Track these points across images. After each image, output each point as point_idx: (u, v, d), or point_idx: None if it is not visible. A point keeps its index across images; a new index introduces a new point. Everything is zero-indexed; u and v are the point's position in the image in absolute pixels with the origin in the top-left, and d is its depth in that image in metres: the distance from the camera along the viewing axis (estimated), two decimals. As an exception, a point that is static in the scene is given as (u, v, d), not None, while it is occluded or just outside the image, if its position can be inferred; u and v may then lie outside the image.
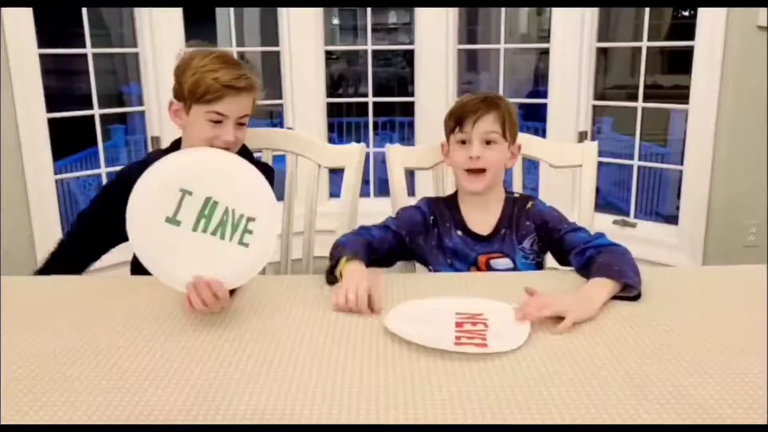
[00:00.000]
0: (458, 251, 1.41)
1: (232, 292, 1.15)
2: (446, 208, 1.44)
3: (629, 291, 1.16)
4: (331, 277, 1.25)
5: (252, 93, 1.39)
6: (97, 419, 0.82)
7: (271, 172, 1.50)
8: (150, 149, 2.66)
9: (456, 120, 1.40)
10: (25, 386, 0.90)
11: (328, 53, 3.16)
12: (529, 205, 1.42)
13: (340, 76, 6.42)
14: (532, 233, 1.40)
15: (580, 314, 1.07)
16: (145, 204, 1.11)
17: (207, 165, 1.17)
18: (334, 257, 1.26)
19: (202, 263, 1.09)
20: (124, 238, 1.14)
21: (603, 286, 1.15)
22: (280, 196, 1.65)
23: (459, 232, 1.42)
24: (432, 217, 1.44)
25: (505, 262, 1.40)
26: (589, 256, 1.25)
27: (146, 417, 0.83)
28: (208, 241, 1.10)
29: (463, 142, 1.39)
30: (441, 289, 1.25)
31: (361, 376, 0.92)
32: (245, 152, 1.48)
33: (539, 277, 1.35)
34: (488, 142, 1.38)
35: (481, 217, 1.42)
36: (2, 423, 0.81)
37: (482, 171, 1.38)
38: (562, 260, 1.36)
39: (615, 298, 1.15)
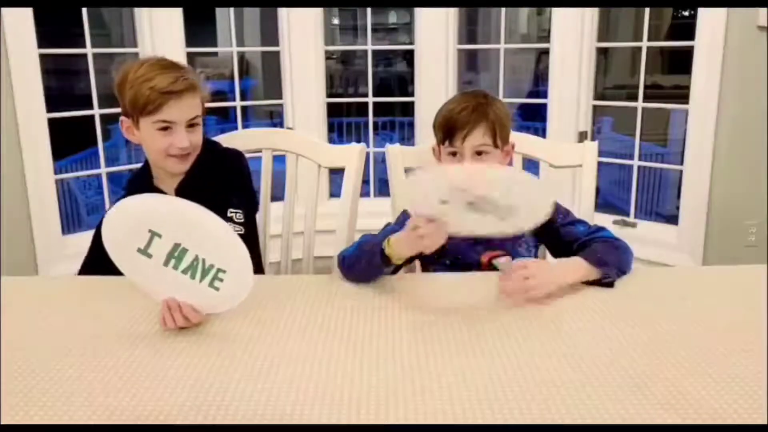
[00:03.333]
0: (459, 252, 1.40)
1: None
2: None
3: (607, 279, 1.22)
4: (388, 261, 1.23)
5: (195, 93, 1.37)
6: (97, 419, 0.82)
7: (242, 159, 1.50)
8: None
9: (444, 133, 1.39)
10: (25, 386, 0.90)
11: (328, 53, 3.16)
12: None
13: (340, 76, 6.42)
14: None
15: (541, 292, 1.15)
16: (117, 235, 1.09)
17: (177, 214, 1.10)
18: (362, 257, 1.26)
19: (174, 293, 1.07)
20: None
21: (576, 269, 1.21)
22: (279, 196, 1.66)
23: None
24: None
25: (506, 260, 1.39)
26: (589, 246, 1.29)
27: (146, 417, 0.83)
28: (180, 277, 1.08)
29: (454, 154, 1.39)
30: (442, 290, 1.25)
31: (361, 376, 0.92)
32: (212, 147, 1.48)
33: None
34: (479, 153, 1.37)
35: None
36: (2, 423, 0.81)
37: None
38: (557, 252, 1.37)
39: (590, 283, 1.21)
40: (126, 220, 1.09)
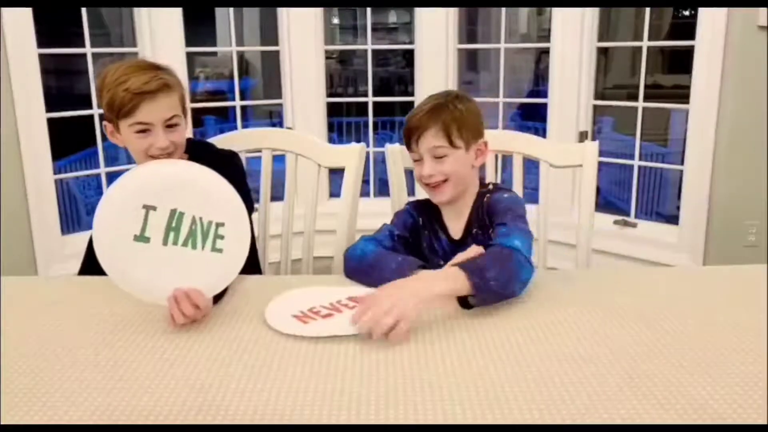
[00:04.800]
0: (447, 254, 1.40)
1: (216, 298, 1.15)
2: (429, 211, 1.43)
3: (476, 295, 1.09)
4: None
5: (170, 93, 1.34)
6: (97, 419, 0.82)
7: (236, 159, 1.50)
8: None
9: (405, 139, 1.40)
10: (25, 386, 0.90)
11: (328, 53, 3.16)
12: (486, 198, 1.36)
13: (340, 76, 6.42)
14: (490, 227, 1.32)
15: (411, 315, 1.02)
16: (111, 226, 1.09)
17: (166, 177, 1.13)
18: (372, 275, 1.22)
19: (178, 276, 1.08)
20: None
21: (442, 279, 1.09)
22: (279, 196, 1.66)
23: (443, 236, 1.42)
24: (420, 220, 1.44)
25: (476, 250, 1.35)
26: None
27: (146, 417, 0.83)
28: (181, 253, 1.08)
29: (418, 160, 1.38)
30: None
31: (361, 376, 0.92)
32: (206, 148, 1.47)
33: (539, 277, 1.34)
34: (439, 156, 1.34)
35: (455, 221, 1.40)
36: (2, 423, 0.81)
37: (443, 182, 1.35)
38: None
39: (463, 302, 1.11)
40: (117, 209, 1.09)
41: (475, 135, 1.39)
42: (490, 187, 1.42)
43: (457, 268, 1.10)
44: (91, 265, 1.39)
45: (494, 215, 1.31)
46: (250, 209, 1.49)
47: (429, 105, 1.38)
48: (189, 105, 1.44)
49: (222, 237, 1.08)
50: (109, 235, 1.10)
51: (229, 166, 1.44)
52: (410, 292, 1.05)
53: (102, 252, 1.11)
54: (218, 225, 1.08)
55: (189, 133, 1.47)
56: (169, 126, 1.34)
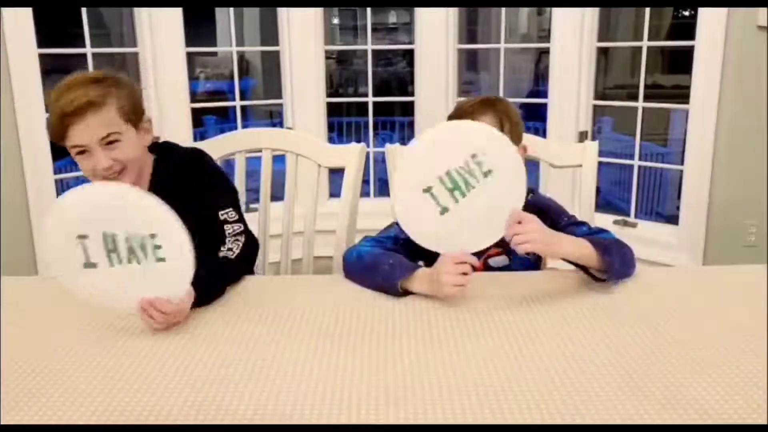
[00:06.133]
0: None
1: (205, 300, 1.15)
2: None
3: (602, 273, 1.19)
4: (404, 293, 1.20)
5: (100, 109, 1.22)
6: (97, 419, 0.82)
7: (203, 157, 1.41)
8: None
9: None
10: (25, 386, 0.90)
11: (328, 53, 3.16)
12: (529, 195, 1.39)
13: (340, 76, 6.42)
14: None
15: (535, 246, 1.13)
16: (58, 259, 1.09)
17: (86, 204, 1.09)
18: (376, 278, 1.23)
19: (137, 290, 1.07)
20: None
21: (579, 246, 1.18)
22: (279, 196, 1.66)
23: None
24: None
25: (502, 259, 1.39)
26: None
27: (146, 417, 0.83)
28: (130, 270, 1.08)
29: None
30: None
31: (361, 376, 0.92)
32: (167, 152, 1.40)
33: (539, 277, 1.35)
34: None
35: None
36: (2, 423, 0.81)
37: None
38: None
39: (588, 273, 1.20)
40: (57, 243, 1.08)
41: (519, 136, 1.39)
42: None
43: (585, 241, 1.18)
44: None
45: (548, 211, 1.35)
46: (237, 199, 1.42)
47: (479, 98, 1.39)
48: (145, 110, 1.34)
49: (159, 246, 1.07)
50: (61, 268, 1.10)
51: (196, 166, 1.39)
52: (556, 240, 1.16)
53: (63, 282, 1.11)
54: (151, 236, 1.07)
55: (189, 132, 1.44)
56: (110, 143, 1.25)
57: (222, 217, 1.33)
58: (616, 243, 1.26)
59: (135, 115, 1.29)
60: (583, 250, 1.18)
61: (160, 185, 1.34)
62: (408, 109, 3.05)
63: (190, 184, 1.35)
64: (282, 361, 0.96)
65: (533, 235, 1.12)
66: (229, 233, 1.32)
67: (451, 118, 1.41)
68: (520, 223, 1.13)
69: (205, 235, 1.22)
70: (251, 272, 1.36)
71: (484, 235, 1.17)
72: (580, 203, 1.61)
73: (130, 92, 1.29)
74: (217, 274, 1.22)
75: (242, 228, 1.34)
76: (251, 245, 1.35)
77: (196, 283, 1.11)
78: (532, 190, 1.44)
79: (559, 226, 1.35)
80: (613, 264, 1.18)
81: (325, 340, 1.03)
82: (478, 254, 1.40)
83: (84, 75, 1.28)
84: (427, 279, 1.18)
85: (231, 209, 1.35)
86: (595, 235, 1.29)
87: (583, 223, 1.36)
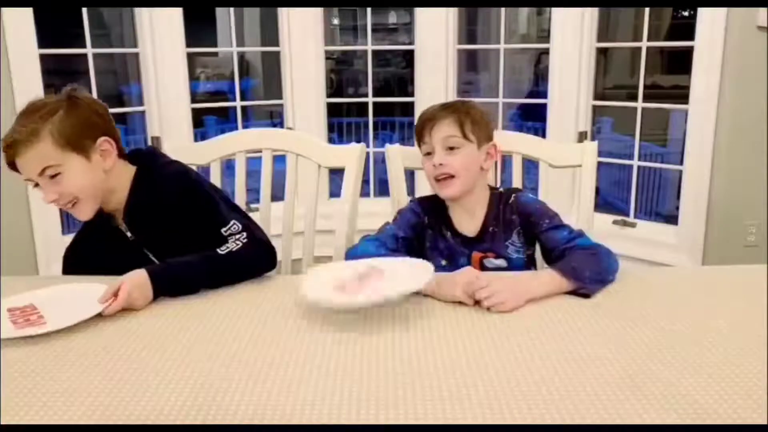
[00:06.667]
0: (451, 252, 1.41)
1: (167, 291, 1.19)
2: (436, 209, 1.44)
3: (582, 290, 1.18)
4: None
5: (34, 142, 1.17)
6: (97, 419, 0.82)
7: (184, 182, 1.33)
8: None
9: (418, 133, 1.42)
10: (25, 386, 0.90)
11: (328, 53, 3.16)
12: (512, 198, 1.41)
13: (340, 76, 6.42)
14: (518, 226, 1.39)
15: (508, 306, 1.12)
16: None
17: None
18: None
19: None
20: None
21: (548, 283, 1.18)
22: (279, 196, 1.66)
23: (449, 234, 1.42)
24: (426, 218, 1.44)
25: (499, 261, 1.40)
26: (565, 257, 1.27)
27: (146, 417, 0.83)
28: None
29: (429, 153, 1.40)
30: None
31: (361, 376, 0.92)
32: (151, 159, 1.35)
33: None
34: (451, 148, 1.37)
35: (468, 219, 1.42)
36: (2, 423, 0.81)
37: (451, 177, 1.36)
38: (544, 256, 1.38)
39: (569, 292, 1.18)
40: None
41: (487, 136, 1.42)
42: (501, 189, 1.46)
43: (554, 272, 1.19)
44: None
45: (531, 215, 1.37)
46: (229, 216, 1.33)
47: (442, 103, 1.43)
48: (107, 130, 1.28)
49: None
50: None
51: (186, 195, 1.31)
52: (524, 290, 1.15)
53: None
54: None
55: (189, 132, 1.43)
56: (52, 177, 1.20)
57: (226, 234, 1.29)
58: (587, 254, 1.24)
59: (80, 141, 1.22)
60: (553, 282, 1.18)
61: (140, 207, 1.32)
62: (408, 109, 3.05)
63: (183, 211, 1.30)
64: (282, 361, 0.96)
65: (502, 295, 1.12)
66: (231, 241, 1.29)
67: (415, 127, 1.44)
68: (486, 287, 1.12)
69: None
70: (254, 273, 1.30)
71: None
72: (580, 203, 1.61)
73: (77, 118, 1.21)
74: (189, 265, 1.22)
75: (246, 235, 1.29)
76: (255, 246, 1.29)
77: (157, 268, 1.17)
78: (517, 190, 1.46)
79: (538, 230, 1.36)
80: (586, 282, 1.18)
81: (325, 340, 1.03)
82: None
83: (32, 103, 1.23)
84: (436, 279, 1.16)
85: (233, 222, 1.30)
86: (572, 242, 1.29)
87: (563, 227, 1.35)
